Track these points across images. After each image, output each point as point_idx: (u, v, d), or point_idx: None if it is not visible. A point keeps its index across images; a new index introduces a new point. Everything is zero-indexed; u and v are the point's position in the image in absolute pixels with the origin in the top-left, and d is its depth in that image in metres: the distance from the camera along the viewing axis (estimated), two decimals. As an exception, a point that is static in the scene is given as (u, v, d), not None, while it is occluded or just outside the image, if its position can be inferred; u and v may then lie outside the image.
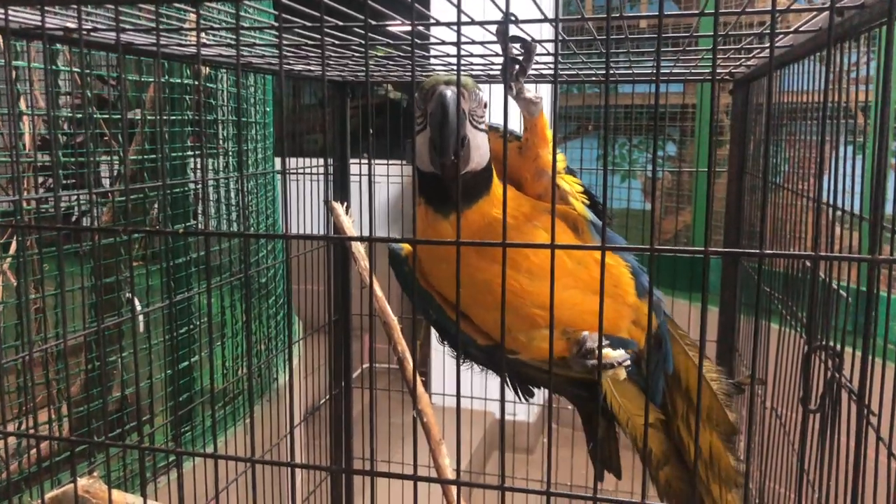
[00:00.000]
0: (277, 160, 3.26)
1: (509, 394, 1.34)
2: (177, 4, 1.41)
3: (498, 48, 1.47)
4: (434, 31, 1.68)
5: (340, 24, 1.01)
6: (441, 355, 4.26)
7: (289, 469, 0.90)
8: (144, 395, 2.07)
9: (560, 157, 1.35)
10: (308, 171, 2.46)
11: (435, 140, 1.10)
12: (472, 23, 0.91)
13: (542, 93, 1.32)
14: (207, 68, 2.20)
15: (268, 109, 3.03)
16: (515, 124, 1.32)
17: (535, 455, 4.54)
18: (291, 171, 2.09)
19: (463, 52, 1.57)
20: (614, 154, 4.86)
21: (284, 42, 1.44)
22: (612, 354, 1.23)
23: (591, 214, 1.32)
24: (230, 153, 2.64)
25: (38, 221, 1.66)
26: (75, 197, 2.40)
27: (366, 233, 0.89)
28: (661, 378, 1.43)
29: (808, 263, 1.40)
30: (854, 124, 1.60)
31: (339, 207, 2.27)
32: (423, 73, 2.11)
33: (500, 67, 1.86)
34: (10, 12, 1.07)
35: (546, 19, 0.91)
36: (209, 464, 1.88)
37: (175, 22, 1.56)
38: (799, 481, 0.73)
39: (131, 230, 0.90)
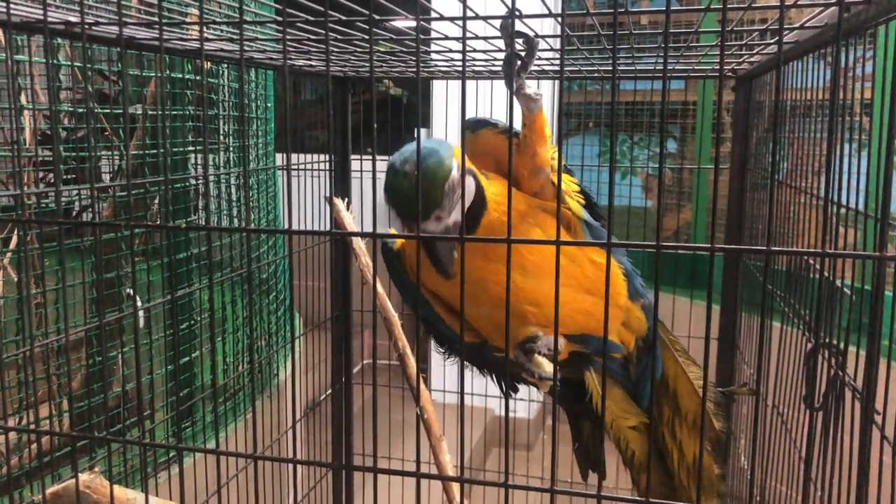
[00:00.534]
0: (278, 156, 3.26)
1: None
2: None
3: (500, 43, 1.46)
4: (435, 25, 1.68)
5: (344, 18, 1.01)
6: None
7: (289, 465, 0.90)
8: (145, 391, 2.07)
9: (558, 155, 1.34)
10: (309, 167, 2.45)
11: (432, 261, 1.15)
12: (477, 17, 0.90)
13: (543, 89, 1.31)
14: (209, 63, 2.19)
15: (269, 105, 3.03)
16: (504, 118, 1.31)
17: (535, 452, 4.54)
18: (293, 167, 2.08)
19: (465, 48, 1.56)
20: (614, 151, 4.85)
21: (287, 37, 1.44)
22: (544, 366, 1.21)
23: (586, 214, 1.32)
24: (231, 149, 2.64)
25: (38, 216, 1.66)
26: (76, 192, 2.40)
27: (367, 228, 0.89)
28: (649, 382, 1.42)
29: (811, 260, 1.40)
30: (854, 122, 1.59)
31: (340, 203, 2.27)
32: (426, 70, 2.11)
33: (501, 63, 1.85)
34: (11, 5, 1.07)
35: (551, 14, 0.90)
36: (210, 459, 1.88)
37: (177, 16, 1.56)
38: (805, 480, 0.73)
39: (133, 225, 0.90)
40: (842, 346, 1.09)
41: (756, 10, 1.14)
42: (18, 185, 1.42)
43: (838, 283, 1.14)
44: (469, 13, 0.82)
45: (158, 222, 2.31)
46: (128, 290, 2.11)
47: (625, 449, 1.39)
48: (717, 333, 2.15)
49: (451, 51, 1.70)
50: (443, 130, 4.16)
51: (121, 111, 2.22)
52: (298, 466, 2.59)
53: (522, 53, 1.15)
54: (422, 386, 1.48)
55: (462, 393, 0.82)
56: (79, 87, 2.18)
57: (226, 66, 2.50)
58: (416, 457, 0.83)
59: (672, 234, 5.20)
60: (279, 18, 1.17)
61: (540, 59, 1.73)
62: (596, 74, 2.10)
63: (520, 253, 1.22)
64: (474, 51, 1.63)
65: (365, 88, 3.00)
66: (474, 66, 1.96)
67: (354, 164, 2.49)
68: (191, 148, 2.46)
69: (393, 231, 1.17)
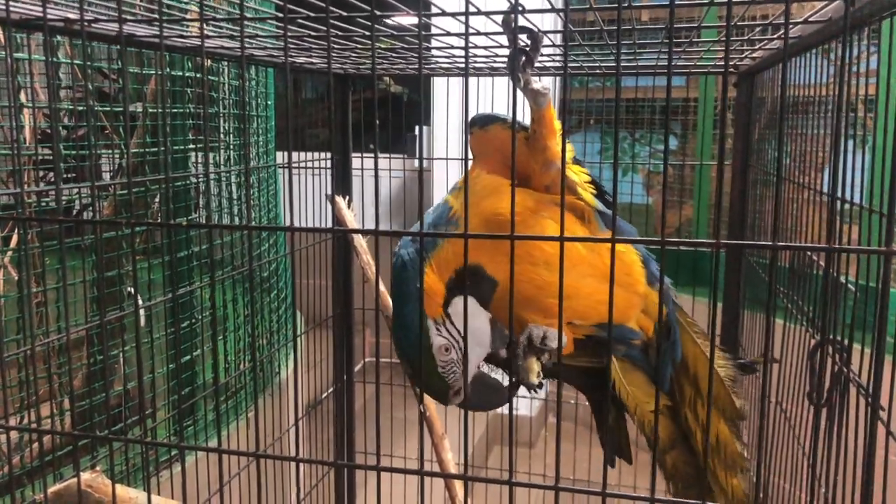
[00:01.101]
0: (279, 154, 3.25)
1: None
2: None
3: (502, 39, 1.46)
4: (437, 21, 1.67)
5: (345, 14, 1.00)
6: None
7: (291, 463, 0.89)
8: (147, 390, 2.07)
9: (568, 147, 1.34)
10: (310, 164, 2.45)
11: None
12: (479, 13, 0.89)
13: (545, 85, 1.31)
14: (209, 61, 2.19)
15: (269, 103, 3.02)
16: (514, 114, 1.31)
17: (537, 449, 4.54)
18: (294, 164, 2.08)
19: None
20: (617, 148, 4.84)
21: (287, 34, 1.43)
22: (531, 375, 1.22)
23: (599, 204, 1.32)
24: (232, 147, 2.63)
25: (39, 214, 1.65)
26: (77, 190, 2.39)
27: (368, 226, 0.88)
28: (669, 365, 1.43)
29: (814, 257, 1.39)
30: (856, 118, 1.59)
31: (341, 201, 2.26)
32: (428, 67, 2.10)
33: (504, 59, 1.85)
34: (10, 3, 1.06)
35: (554, 9, 0.90)
36: (211, 458, 1.88)
37: (177, 13, 1.55)
38: (811, 477, 0.73)
39: (134, 223, 0.89)
40: (846, 342, 1.08)
41: (759, 4, 1.13)
42: (19, 183, 1.42)
43: (842, 279, 1.13)
44: (471, 9, 0.82)
45: (159, 220, 2.31)
46: (129, 289, 2.11)
47: (649, 433, 1.40)
48: (720, 330, 2.15)
49: (452, 47, 1.69)
50: (443, 128, 4.16)
51: (121, 109, 2.21)
52: (300, 465, 2.59)
53: (527, 49, 1.14)
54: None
55: (466, 390, 0.82)
56: (79, 84, 2.17)
57: (226, 63, 2.49)
58: (419, 454, 0.82)
59: (674, 230, 5.19)
60: (280, 15, 1.17)
61: (542, 55, 1.73)
62: (598, 71, 2.10)
63: (541, 248, 1.22)
64: (476, 47, 1.62)
65: (366, 86, 3.00)
66: (476, 62, 1.95)
67: (355, 162, 2.48)
68: (191, 146, 2.46)
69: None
